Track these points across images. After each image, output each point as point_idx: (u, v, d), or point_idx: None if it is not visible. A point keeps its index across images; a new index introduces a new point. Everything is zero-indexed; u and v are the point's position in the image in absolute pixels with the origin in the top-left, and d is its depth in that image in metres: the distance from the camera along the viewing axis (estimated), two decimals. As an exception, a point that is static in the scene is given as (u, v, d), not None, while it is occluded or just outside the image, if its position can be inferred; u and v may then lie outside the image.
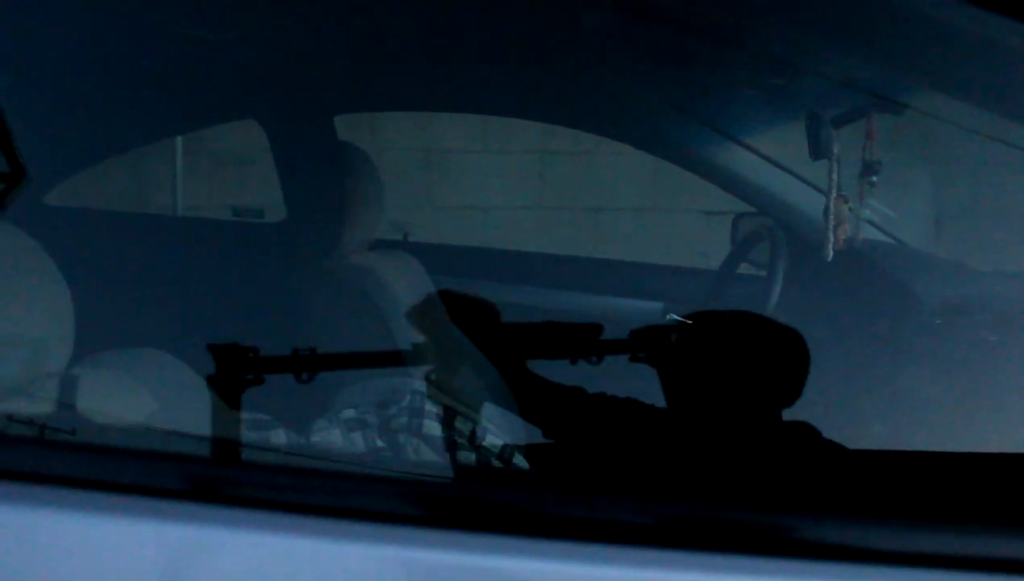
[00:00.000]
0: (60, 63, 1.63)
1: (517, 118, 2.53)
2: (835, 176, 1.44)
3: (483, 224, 3.67)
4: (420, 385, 1.63)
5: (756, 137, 2.12)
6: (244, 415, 1.43)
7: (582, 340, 1.59)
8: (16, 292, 1.18)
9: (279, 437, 1.46)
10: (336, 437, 1.55)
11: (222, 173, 3.30)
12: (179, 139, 3.02)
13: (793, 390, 1.32)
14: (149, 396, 1.29)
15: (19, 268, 1.19)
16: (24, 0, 1.50)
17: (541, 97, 2.14)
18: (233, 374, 1.37)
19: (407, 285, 1.86)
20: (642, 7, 1.31)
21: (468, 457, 1.56)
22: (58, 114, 1.74)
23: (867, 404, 1.52)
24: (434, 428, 1.60)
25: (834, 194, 1.42)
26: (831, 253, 1.43)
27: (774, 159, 2.15)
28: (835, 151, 1.46)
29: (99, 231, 1.98)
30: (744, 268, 2.20)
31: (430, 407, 1.62)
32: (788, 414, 1.39)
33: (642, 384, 1.42)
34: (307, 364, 1.62)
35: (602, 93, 2.01)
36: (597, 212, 3.73)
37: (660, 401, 1.37)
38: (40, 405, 1.10)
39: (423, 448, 1.59)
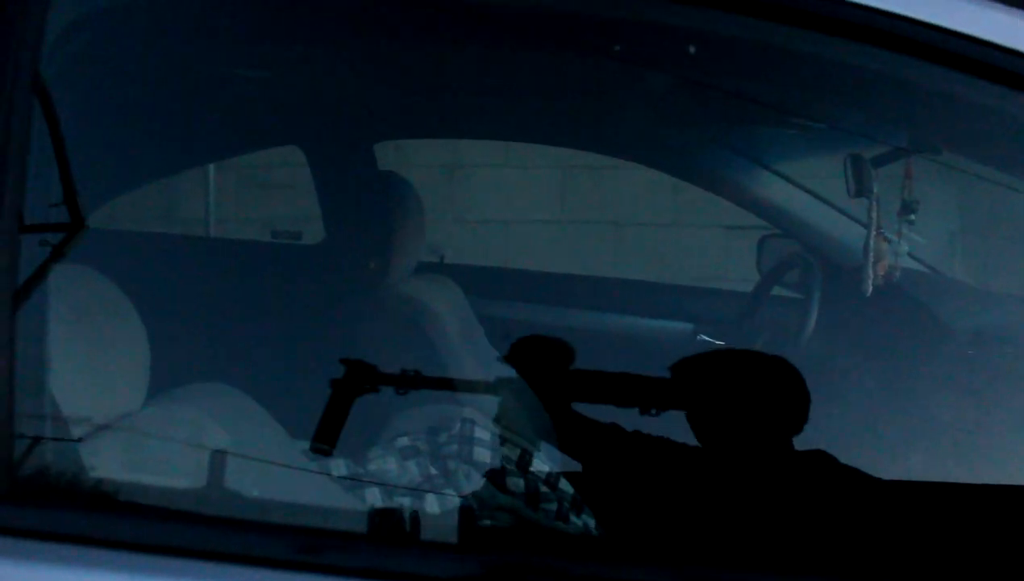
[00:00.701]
0: (115, 94, 1.68)
1: (543, 144, 2.57)
2: (875, 214, 1.49)
3: (505, 238, 3.72)
4: (469, 412, 1.68)
5: (787, 165, 2.16)
6: (304, 447, 1.48)
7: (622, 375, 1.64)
8: (98, 334, 1.23)
9: (339, 467, 1.51)
10: (391, 465, 1.60)
11: (256, 193, 3.34)
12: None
13: (796, 421, 1.37)
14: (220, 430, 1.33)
15: (100, 311, 1.24)
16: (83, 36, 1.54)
17: (569, 125, 2.19)
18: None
19: (453, 312, 1.91)
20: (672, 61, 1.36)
21: (516, 483, 1.61)
22: (109, 140, 1.79)
23: (901, 433, 1.56)
24: (484, 455, 1.65)
25: (874, 232, 1.46)
26: (870, 288, 1.48)
27: (802, 184, 2.19)
28: (875, 190, 1.51)
29: (148, 256, 2.02)
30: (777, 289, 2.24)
31: (480, 434, 1.67)
32: (814, 443, 1.44)
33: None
34: (361, 389, 1.66)
35: (630, 125, 2.06)
36: (619, 226, 3.77)
37: (692, 438, 1.42)
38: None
39: (473, 474, 1.64)
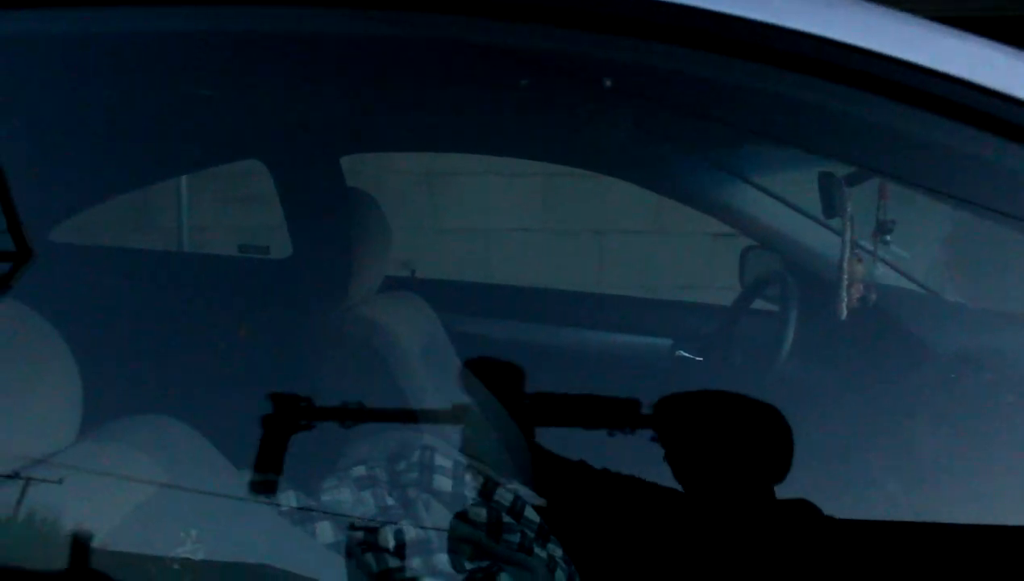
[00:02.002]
0: (69, 109, 1.63)
1: (520, 158, 2.51)
2: (848, 235, 1.43)
3: (485, 247, 3.66)
4: (430, 439, 1.61)
5: (764, 176, 2.10)
6: (254, 477, 1.42)
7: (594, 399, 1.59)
8: (23, 370, 1.17)
9: (288, 499, 1.44)
10: (346, 495, 1.53)
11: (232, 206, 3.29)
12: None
13: (781, 467, 1.33)
14: (157, 466, 1.27)
15: (27, 346, 1.17)
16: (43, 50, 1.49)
17: (545, 141, 2.14)
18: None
19: (416, 332, 1.85)
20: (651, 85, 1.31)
21: (478, 512, 1.55)
22: (69, 154, 1.74)
23: (879, 461, 1.51)
24: (444, 483, 1.59)
25: (847, 254, 1.41)
26: (844, 312, 1.42)
27: (781, 196, 2.13)
28: (848, 210, 1.45)
29: (100, 274, 1.96)
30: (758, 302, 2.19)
31: (440, 461, 1.61)
32: (791, 483, 1.39)
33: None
34: (316, 416, 1.60)
35: (605, 136, 2.00)
36: (601, 234, 3.72)
37: (665, 478, 1.36)
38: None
39: (433, 503, 1.58)
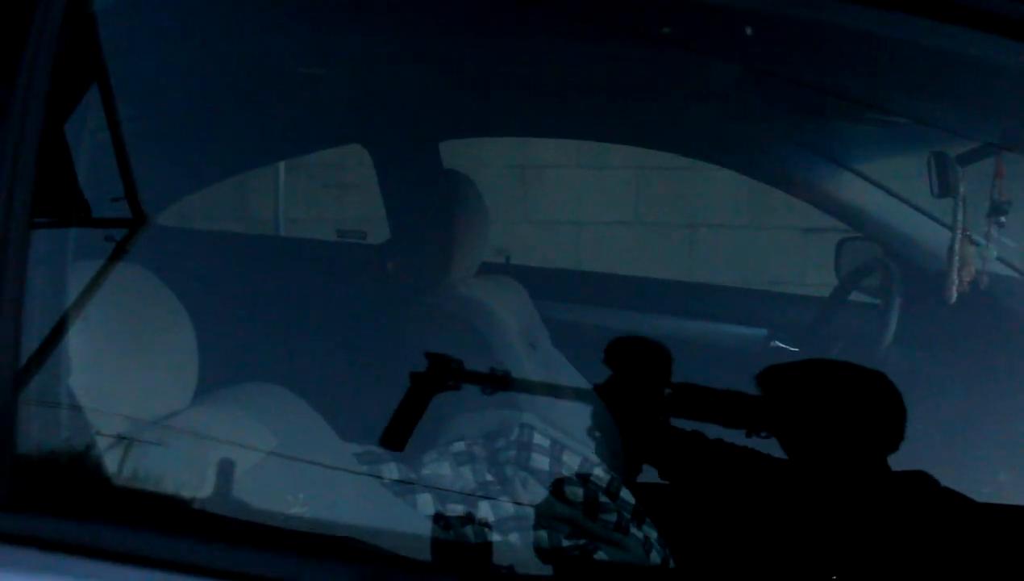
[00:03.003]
0: (184, 94, 1.68)
1: (615, 144, 2.51)
2: (961, 216, 1.39)
3: (578, 239, 3.67)
4: (528, 418, 1.63)
5: (867, 164, 2.07)
6: (356, 448, 1.45)
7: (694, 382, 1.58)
8: (146, 334, 1.21)
9: (391, 471, 1.47)
10: (446, 470, 1.56)
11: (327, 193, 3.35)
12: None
13: (894, 437, 1.30)
14: (267, 431, 1.30)
15: (150, 310, 1.22)
16: (150, 37, 1.54)
17: (640, 123, 2.13)
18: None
19: (515, 314, 1.86)
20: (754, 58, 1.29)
21: (575, 492, 1.56)
22: (178, 140, 1.79)
23: (989, 450, 1.47)
24: (542, 462, 1.60)
25: (960, 235, 1.37)
26: (954, 295, 1.39)
27: (885, 185, 2.09)
28: (961, 190, 1.42)
29: (209, 255, 2.02)
30: (853, 294, 2.15)
31: (538, 440, 1.62)
32: (903, 461, 1.36)
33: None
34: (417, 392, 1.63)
35: (703, 121, 1.99)
36: (693, 228, 3.70)
37: (779, 450, 1.35)
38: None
39: (531, 481, 1.59)
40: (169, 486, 1.07)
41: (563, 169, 3.67)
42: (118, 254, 1.31)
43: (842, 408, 1.49)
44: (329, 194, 3.32)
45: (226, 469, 1.17)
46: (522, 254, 2.69)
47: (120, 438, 1.06)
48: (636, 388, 1.75)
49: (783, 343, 2.16)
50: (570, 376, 1.87)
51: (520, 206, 3.62)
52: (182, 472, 1.11)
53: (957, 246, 1.37)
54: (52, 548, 0.88)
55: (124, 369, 1.14)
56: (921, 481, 1.29)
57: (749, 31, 1.14)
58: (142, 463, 1.08)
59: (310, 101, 1.92)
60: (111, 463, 1.04)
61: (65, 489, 1.01)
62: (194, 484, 1.11)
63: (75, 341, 1.06)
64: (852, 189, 2.06)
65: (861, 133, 1.86)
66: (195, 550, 0.94)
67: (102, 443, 1.03)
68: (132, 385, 1.14)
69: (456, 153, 2.33)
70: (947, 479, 1.34)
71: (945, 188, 1.46)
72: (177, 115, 1.74)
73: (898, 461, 1.38)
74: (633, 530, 1.52)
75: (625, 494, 1.57)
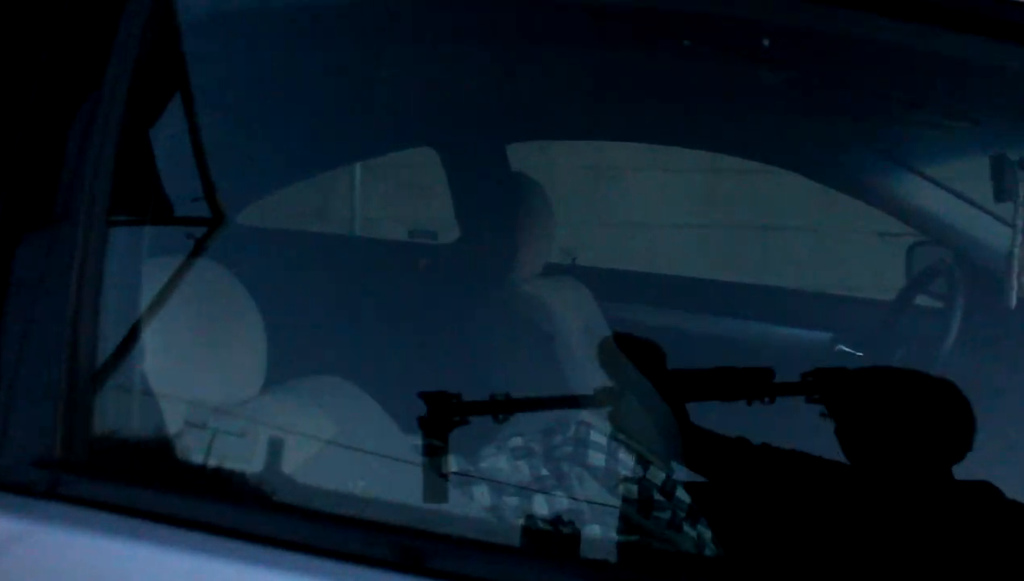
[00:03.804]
0: (262, 100, 1.75)
1: (684, 147, 2.52)
2: (1021, 221, 1.38)
3: (649, 242, 3.67)
4: (586, 415, 1.66)
5: (935, 168, 2.05)
6: (418, 440, 1.49)
7: (753, 382, 1.59)
8: (217, 327, 1.28)
9: (447, 465, 1.51)
10: (503, 464, 1.60)
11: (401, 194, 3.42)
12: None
13: (960, 448, 1.29)
14: (331, 422, 1.36)
15: (224, 303, 1.29)
16: (232, 46, 1.61)
17: (711, 128, 2.14)
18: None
19: (576, 314, 1.89)
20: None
21: (630, 489, 1.59)
22: (255, 141, 1.87)
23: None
24: (598, 459, 1.63)
25: (1020, 239, 1.36)
26: (1015, 301, 1.38)
27: (955, 189, 2.07)
28: (1021, 194, 1.41)
29: (283, 253, 2.10)
30: (920, 298, 2.13)
31: (595, 437, 1.65)
32: (965, 469, 1.35)
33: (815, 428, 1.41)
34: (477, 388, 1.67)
35: (776, 126, 1.99)
36: (766, 231, 3.67)
37: (829, 453, 1.35)
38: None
39: (586, 477, 1.62)
40: (229, 463, 1.14)
41: (637, 171, 3.68)
42: (196, 251, 1.39)
43: (906, 416, 1.49)
44: (404, 195, 3.39)
45: (285, 452, 1.24)
46: (594, 256, 2.71)
47: (188, 422, 1.14)
48: (695, 388, 1.76)
49: (847, 347, 2.14)
50: (630, 373, 1.89)
51: (593, 208, 3.64)
52: (244, 453, 1.18)
53: (1017, 250, 1.36)
54: (123, 512, 0.97)
55: (193, 358, 1.21)
56: (985, 491, 1.28)
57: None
58: (206, 443, 1.15)
59: (381, 104, 1.98)
60: (180, 441, 1.11)
61: (137, 462, 1.09)
62: (254, 463, 1.17)
63: (150, 332, 1.14)
64: (920, 192, 2.04)
65: (928, 137, 1.85)
66: (251, 518, 1.01)
67: (172, 424, 1.11)
68: (200, 373, 1.21)
69: (528, 154, 2.37)
70: (1009, 488, 1.33)
71: (1003, 192, 1.45)
72: (255, 120, 1.82)
73: (960, 470, 1.37)
74: (687, 529, 1.54)
75: (681, 493, 1.59)
